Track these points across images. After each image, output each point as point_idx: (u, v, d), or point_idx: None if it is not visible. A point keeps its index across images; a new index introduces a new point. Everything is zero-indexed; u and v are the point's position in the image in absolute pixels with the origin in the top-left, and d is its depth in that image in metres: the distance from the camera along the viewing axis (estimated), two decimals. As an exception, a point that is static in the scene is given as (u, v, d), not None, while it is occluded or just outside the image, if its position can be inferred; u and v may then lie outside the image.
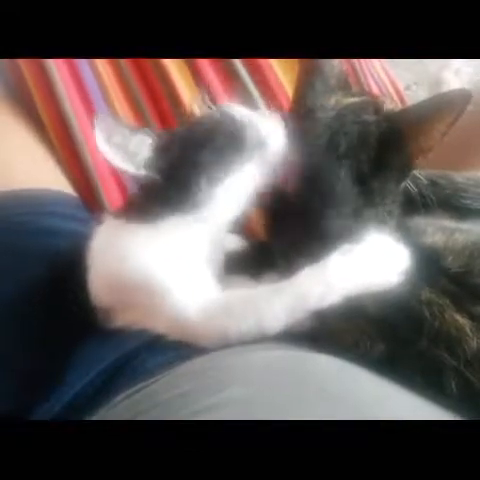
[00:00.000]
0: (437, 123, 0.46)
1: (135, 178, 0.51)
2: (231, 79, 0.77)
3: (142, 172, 0.49)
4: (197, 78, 0.78)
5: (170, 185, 0.49)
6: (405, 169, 0.50)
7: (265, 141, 0.50)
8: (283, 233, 0.52)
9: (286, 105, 0.73)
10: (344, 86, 0.54)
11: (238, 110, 0.52)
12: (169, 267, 0.49)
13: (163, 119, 0.76)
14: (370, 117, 0.51)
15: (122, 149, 0.47)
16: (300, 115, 0.53)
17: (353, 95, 0.54)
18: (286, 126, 0.51)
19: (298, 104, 0.54)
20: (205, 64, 0.78)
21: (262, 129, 0.51)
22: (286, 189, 0.51)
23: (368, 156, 0.49)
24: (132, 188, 0.61)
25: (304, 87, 0.53)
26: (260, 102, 0.76)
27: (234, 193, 0.51)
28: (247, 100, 0.74)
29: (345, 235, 0.47)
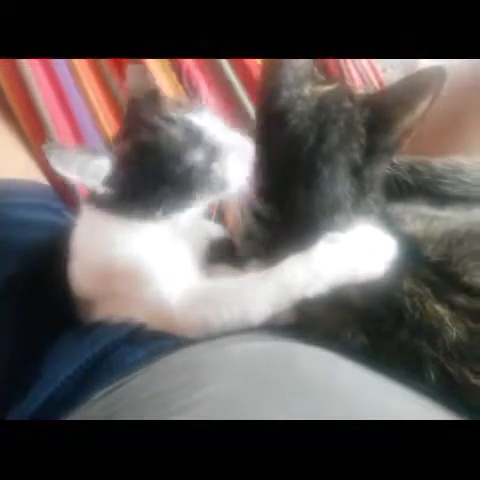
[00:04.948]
0: (419, 100, 0.46)
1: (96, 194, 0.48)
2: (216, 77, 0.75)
3: (102, 189, 0.47)
4: (181, 76, 0.76)
5: (130, 199, 0.48)
6: (392, 152, 0.49)
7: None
8: (266, 221, 0.51)
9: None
10: (312, 75, 0.52)
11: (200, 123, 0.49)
12: (154, 255, 0.48)
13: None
14: (349, 104, 0.50)
15: (80, 174, 0.46)
16: (275, 110, 0.50)
17: (324, 83, 0.52)
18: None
19: (270, 98, 0.51)
20: (190, 63, 0.75)
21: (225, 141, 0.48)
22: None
23: (359, 144, 0.48)
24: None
25: (275, 80, 0.50)
26: (246, 100, 0.75)
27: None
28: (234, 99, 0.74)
29: (333, 224, 0.46)
